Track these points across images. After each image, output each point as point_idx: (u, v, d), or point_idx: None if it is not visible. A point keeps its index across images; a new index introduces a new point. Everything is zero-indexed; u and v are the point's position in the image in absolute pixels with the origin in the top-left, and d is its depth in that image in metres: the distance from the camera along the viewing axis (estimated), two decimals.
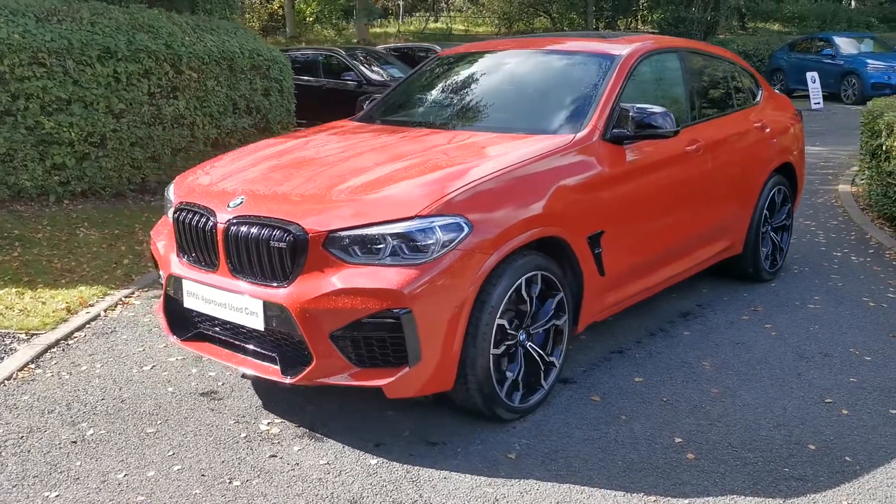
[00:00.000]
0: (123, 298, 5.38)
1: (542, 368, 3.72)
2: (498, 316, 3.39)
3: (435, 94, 4.92)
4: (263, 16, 33.68)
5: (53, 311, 5.00)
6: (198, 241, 3.60)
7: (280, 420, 3.66)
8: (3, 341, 4.58)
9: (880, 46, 21.28)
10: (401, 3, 37.75)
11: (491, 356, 3.41)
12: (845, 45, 20.81)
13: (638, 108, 4.07)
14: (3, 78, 6.71)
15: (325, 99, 13.49)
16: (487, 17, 37.17)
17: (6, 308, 5.05)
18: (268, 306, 3.32)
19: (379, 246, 3.22)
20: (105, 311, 5.14)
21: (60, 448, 3.42)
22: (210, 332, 3.73)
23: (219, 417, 3.69)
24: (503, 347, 3.50)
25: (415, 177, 3.50)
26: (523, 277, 3.50)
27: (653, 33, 27.16)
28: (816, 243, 6.80)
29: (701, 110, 4.99)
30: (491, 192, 3.44)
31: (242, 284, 3.42)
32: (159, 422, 3.65)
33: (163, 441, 3.48)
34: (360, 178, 3.53)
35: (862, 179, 8.55)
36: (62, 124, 7.03)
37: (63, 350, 4.52)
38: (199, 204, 3.64)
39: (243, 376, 4.10)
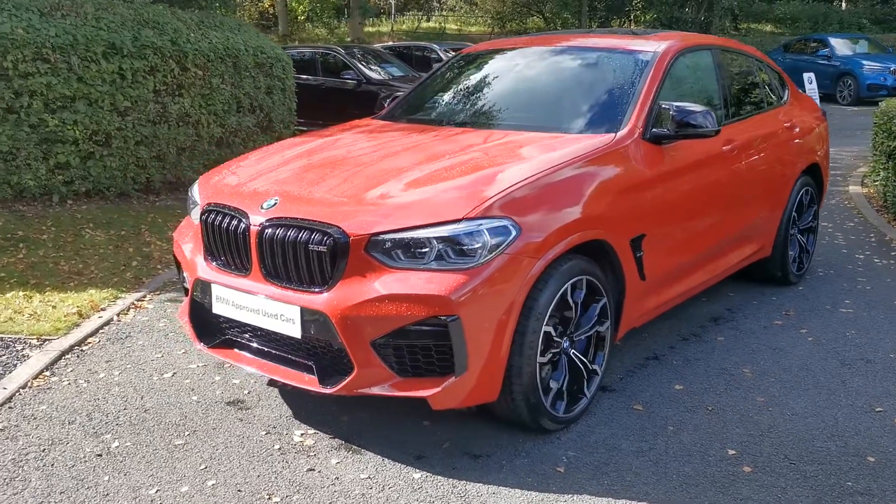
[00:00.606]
0: (136, 302, 5.21)
1: (585, 377, 3.58)
2: (545, 323, 3.26)
3: (463, 91, 4.77)
4: (254, 14, 33.43)
5: (65, 316, 4.82)
6: (228, 244, 3.44)
7: (314, 431, 3.51)
8: (15, 347, 4.41)
9: (875, 48, 21.32)
10: (392, 1, 37.57)
11: (538, 365, 3.27)
12: (841, 46, 20.83)
13: (678, 107, 3.94)
14: (7, 74, 6.50)
15: (323, 98, 13.32)
16: (480, 17, 37.04)
17: (15, 312, 4.87)
18: (306, 313, 3.16)
19: (423, 250, 3.07)
20: (118, 315, 4.97)
21: (85, 462, 3.25)
22: (239, 339, 3.57)
23: (249, 428, 3.53)
24: (549, 355, 3.37)
25: (458, 177, 3.35)
26: (569, 282, 3.36)
27: None
28: (837, 245, 6.70)
29: (734, 109, 4.87)
30: (538, 194, 3.30)
31: (277, 290, 3.26)
32: (187, 433, 3.49)
33: (193, 454, 3.32)
34: (400, 179, 3.38)
35: (875, 181, 8.47)
36: (66, 122, 6.84)
37: (78, 356, 4.34)
38: (229, 205, 3.48)
39: (270, 384, 3.94)
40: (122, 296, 5.31)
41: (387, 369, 3.12)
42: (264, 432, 3.50)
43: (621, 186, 3.70)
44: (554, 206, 3.33)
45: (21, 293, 5.20)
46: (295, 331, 3.22)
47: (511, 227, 3.14)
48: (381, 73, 13.95)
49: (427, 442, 3.41)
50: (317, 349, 3.27)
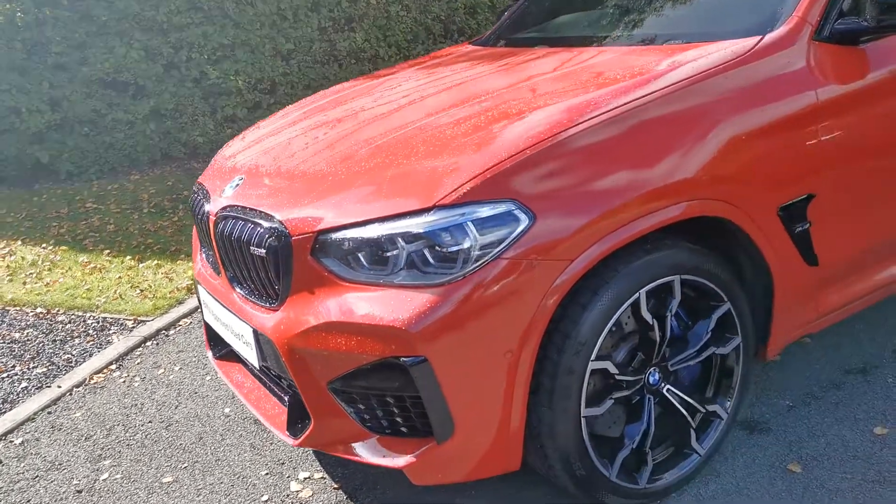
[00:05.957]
0: None
1: (693, 425, 2.33)
2: (593, 357, 2.07)
3: None
4: None
5: (170, 293, 4.48)
6: (203, 236, 2.69)
7: (321, 475, 2.69)
8: (109, 331, 4.14)
9: None
10: None
11: (583, 419, 2.11)
12: None
13: None
14: (162, 28, 6.31)
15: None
16: None
17: (131, 287, 4.64)
18: (259, 335, 2.32)
19: (389, 254, 2.04)
20: None
21: (61, 501, 2.77)
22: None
23: (253, 464, 2.81)
24: (608, 402, 2.18)
25: (460, 137, 2.21)
26: (642, 290, 2.11)
27: None
28: None
29: None
30: (586, 150, 2.05)
31: (239, 300, 2.45)
32: (184, 466, 2.86)
33: (173, 499, 2.68)
34: (388, 140, 2.33)
35: None
36: (228, 73, 6.54)
37: (157, 344, 3.95)
38: (203, 185, 2.72)
39: None
40: None
41: (355, 423, 2.18)
42: (265, 472, 2.76)
43: (768, 123, 2.27)
44: (617, 167, 2.06)
45: (153, 262, 4.99)
46: (254, 357, 2.39)
47: (518, 214, 1.97)
48: None
49: (462, 494, 2.44)
50: (283, 384, 2.42)
